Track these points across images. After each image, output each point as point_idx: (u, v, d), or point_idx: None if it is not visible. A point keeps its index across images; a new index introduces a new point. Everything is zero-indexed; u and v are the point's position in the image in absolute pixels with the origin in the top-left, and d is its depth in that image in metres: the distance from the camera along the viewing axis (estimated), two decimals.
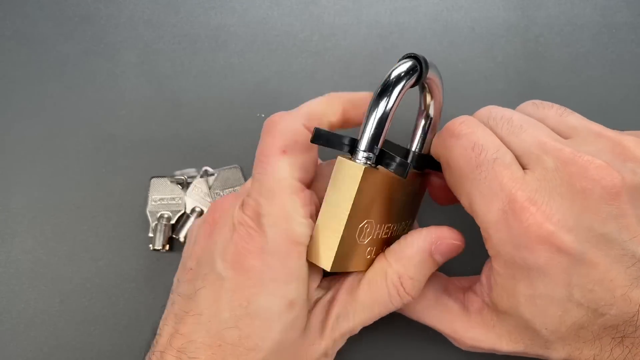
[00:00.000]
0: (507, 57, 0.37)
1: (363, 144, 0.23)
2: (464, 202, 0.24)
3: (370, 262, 0.26)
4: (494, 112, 0.25)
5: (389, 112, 0.23)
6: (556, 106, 0.26)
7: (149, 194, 0.34)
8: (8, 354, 0.32)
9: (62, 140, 0.36)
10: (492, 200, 0.22)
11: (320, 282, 0.26)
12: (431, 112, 0.27)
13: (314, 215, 0.24)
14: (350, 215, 0.23)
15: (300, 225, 0.23)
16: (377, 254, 0.26)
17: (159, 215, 0.33)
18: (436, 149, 0.26)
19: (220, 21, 0.38)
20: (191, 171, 0.35)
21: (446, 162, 0.25)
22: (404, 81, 0.24)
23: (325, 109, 0.26)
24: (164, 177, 0.34)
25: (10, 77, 0.37)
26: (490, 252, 0.24)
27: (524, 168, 0.23)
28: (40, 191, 0.35)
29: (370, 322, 0.26)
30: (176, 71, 0.37)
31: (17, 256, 0.34)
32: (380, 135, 0.23)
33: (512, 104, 0.36)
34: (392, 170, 0.22)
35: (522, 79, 0.36)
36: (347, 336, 0.26)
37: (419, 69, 0.24)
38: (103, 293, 0.33)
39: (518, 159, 0.23)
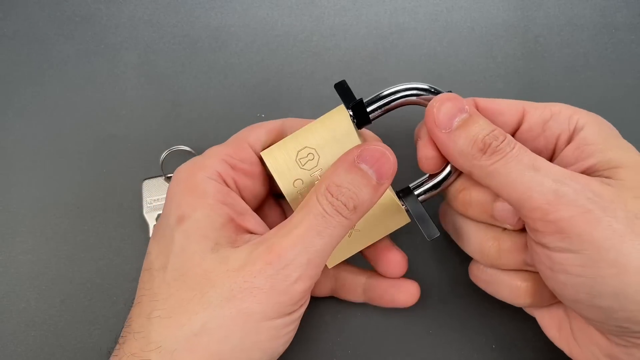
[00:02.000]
0: (507, 57, 0.37)
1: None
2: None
3: None
4: None
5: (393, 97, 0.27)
6: None
7: (143, 197, 0.34)
8: (8, 354, 0.32)
9: (62, 140, 0.36)
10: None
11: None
12: None
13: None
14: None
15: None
16: None
17: (157, 215, 0.33)
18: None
19: (221, 21, 0.38)
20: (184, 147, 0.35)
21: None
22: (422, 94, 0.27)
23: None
24: (157, 177, 0.34)
25: (10, 77, 0.37)
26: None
27: None
28: (40, 191, 0.35)
29: (317, 244, 0.24)
30: (176, 71, 0.37)
31: (17, 256, 0.34)
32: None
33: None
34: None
35: (522, 79, 0.36)
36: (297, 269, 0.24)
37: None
38: (103, 293, 0.33)
39: None
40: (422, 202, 0.28)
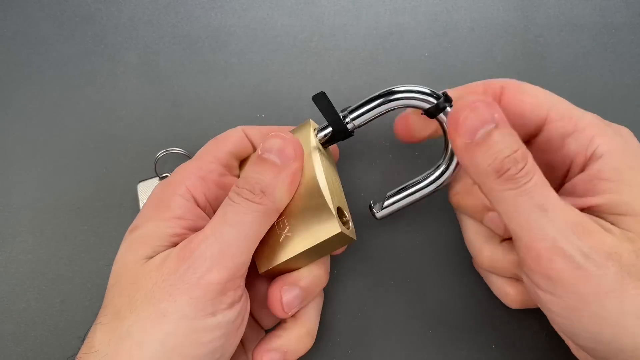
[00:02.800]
0: (507, 57, 0.37)
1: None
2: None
3: None
4: None
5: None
6: None
7: (139, 199, 0.34)
8: (8, 354, 0.32)
9: (62, 140, 0.36)
10: None
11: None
12: (448, 154, 0.28)
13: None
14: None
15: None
16: None
17: None
18: None
19: (221, 21, 0.38)
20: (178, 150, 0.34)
21: None
22: (411, 99, 0.26)
23: (274, 127, 0.30)
24: (151, 178, 0.34)
25: (10, 77, 0.37)
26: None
27: None
28: (40, 191, 0.35)
29: (228, 233, 0.24)
30: (176, 71, 0.37)
31: (17, 256, 0.34)
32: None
33: None
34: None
35: (522, 79, 0.36)
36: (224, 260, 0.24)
37: (435, 103, 0.26)
38: (103, 293, 0.33)
39: None
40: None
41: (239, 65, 0.37)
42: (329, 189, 0.26)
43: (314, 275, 0.28)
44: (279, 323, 0.29)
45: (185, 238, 0.25)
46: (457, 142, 0.23)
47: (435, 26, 0.37)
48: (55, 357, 0.32)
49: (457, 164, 0.27)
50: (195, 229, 0.25)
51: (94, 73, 0.37)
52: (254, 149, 0.30)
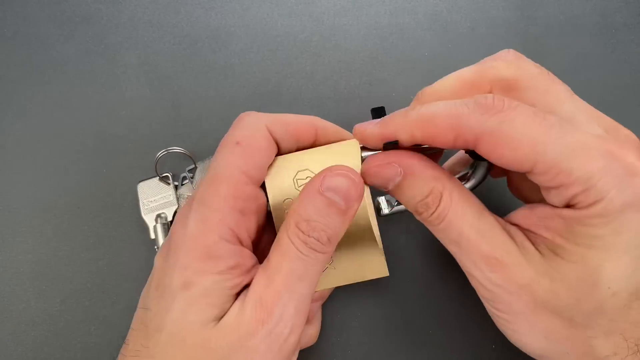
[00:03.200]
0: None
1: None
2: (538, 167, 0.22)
3: None
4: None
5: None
6: None
7: (140, 199, 0.34)
8: (8, 354, 0.32)
9: (62, 140, 0.36)
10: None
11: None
12: (471, 172, 0.28)
13: (248, 211, 0.25)
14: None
15: (216, 217, 0.24)
16: None
17: (155, 216, 0.33)
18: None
19: (221, 21, 0.38)
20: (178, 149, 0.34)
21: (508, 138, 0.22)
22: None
23: (297, 120, 0.27)
24: (151, 178, 0.34)
25: (10, 77, 0.37)
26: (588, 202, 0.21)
27: None
28: (40, 191, 0.35)
29: (300, 289, 0.23)
30: (176, 71, 0.37)
31: (17, 256, 0.34)
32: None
33: None
34: None
35: None
36: (288, 319, 0.23)
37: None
38: (103, 293, 0.33)
39: None
40: None
41: (239, 65, 0.37)
42: (374, 222, 0.26)
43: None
44: None
45: (242, 284, 0.24)
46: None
47: (435, 26, 0.37)
48: (55, 357, 0.32)
49: (474, 185, 0.27)
50: (248, 271, 0.24)
51: (94, 73, 0.37)
52: (279, 150, 0.27)
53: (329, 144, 0.26)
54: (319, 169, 0.25)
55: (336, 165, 0.25)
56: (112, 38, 0.38)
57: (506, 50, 0.26)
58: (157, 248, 0.33)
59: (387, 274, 0.27)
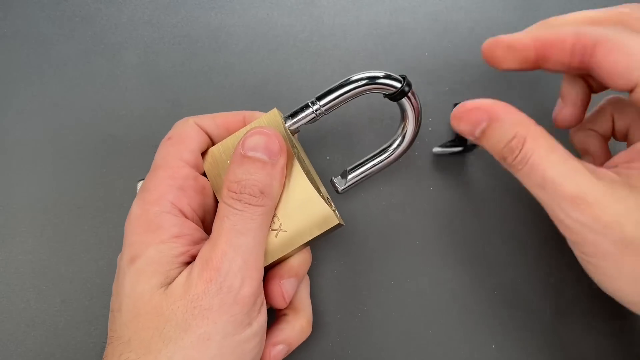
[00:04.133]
0: None
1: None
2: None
3: None
4: None
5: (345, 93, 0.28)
6: None
7: None
8: (8, 354, 0.32)
9: (62, 140, 0.36)
10: None
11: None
12: (403, 131, 0.30)
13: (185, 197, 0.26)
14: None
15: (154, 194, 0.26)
16: None
17: None
18: None
19: (221, 21, 0.38)
20: None
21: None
22: (379, 83, 0.28)
23: (224, 113, 0.30)
24: None
25: (10, 77, 0.37)
26: None
27: None
28: (40, 191, 0.35)
29: (245, 243, 0.24)
30: (176, 71, 0.37)
31: (17, 256, 0.34)
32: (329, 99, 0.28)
33: (513, 105, 0.36)
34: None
35: (522, 79, 0.36)
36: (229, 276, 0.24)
37: (400, 87, 0.27)
38: (103, 293, 0.33)
39: None
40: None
41: (239, 65, 0.37)
42: (311, 179, 0.27)
43: (303, 260, 0.29)
44: (279, 315, 0.30)
45: (189, 254, 0.25)
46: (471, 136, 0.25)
47: (435, 26, 0.37)
48: (55, 357, 0.32)
49: (411, 140, 0.30)
50: (194, 243, 0.25)
51: (94, 73, 0.37)
52: (211, 140, 0.29)
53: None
54: None
55: (252, 127, 0.26)
56: (112, 38, 0.38)
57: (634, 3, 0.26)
58: None
59: (337, 222, 0.27)
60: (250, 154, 0.25)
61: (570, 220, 0.23)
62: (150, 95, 0.36)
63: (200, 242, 0.26)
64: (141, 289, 0.24)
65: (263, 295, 0.25)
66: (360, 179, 0.31)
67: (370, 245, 0.34)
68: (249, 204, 0.24)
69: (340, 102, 0.28)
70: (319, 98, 0.28)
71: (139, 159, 0.35)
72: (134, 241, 0.25)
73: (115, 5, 0.38)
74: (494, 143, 0.25)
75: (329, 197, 0.30)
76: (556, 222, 0.24)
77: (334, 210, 0.27)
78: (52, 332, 0.33)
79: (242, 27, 0.38)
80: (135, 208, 0.26)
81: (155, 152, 0.33)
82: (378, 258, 0.33)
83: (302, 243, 0.27)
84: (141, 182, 0.34)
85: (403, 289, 0.33)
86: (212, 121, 0.29)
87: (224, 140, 0.29)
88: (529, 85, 0.36)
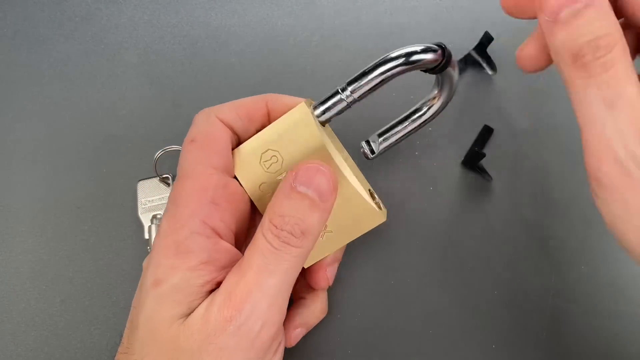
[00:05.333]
0: (507, 57, 0.37)
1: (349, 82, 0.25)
2: None
3: None
4: None
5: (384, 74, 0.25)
6: None
7: (138, 198, 0.34)
8: (8, 354, 0.32)
9: (62, 140, 0.36)
10: None
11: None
12: (438, 98, 0.28)
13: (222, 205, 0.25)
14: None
15: (185, 205, 0.24)
16: None
17: (151, 216, 0.33)
18: None
19: (221, 21, 0.38)
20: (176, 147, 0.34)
21: None
22: (420, 58, 0.25)
23: (245, 100, 0.27)
24: (151, 177, 0.34)
25: (10, 77, 0.37)
26: None
27: None
28: (40, 191, 0.35)
29: (273, 285, 0.23)
30: (176, 71, 0.37)
31: (17, 256, 0.34)
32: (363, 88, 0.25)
33: (513, 105, 0.36)
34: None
35: (522, 78, 0.36)
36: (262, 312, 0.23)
37: (441, 59, 0.25)
38: (103, 293, 0.33)
39: None
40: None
41: (239, 65, 0.37)
42: (355, 173, 0.26)
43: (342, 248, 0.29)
44: (297, 299, 0.30)
45: (215, 282, 0.24)
46: (541, 19, 0.21)
47: (435, 26, 0.37)
48: (55, 357, 0.32)
49: (444, 102, 0.28)
50: (223, 267, 0.24)
51: (94, 73, 0.37)
52: (237, 136, 0.27)
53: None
54: (279, 146, 0.25)
55: (308, 160, 0.24)
56: (112, 38, 0.38)
57: None
58: (150, 249, 0.33)
59: (384, 220, 0.27)
60: (301, 189, 0.23)
61: (626, 154, 0.20)
62: (150, 95, 0.36)
63: (229, 265, 0.24)
64: (161, 317, 0.23)
65: (282, 336, 0.25)
66: (391, 144, 0.30)
67: (370, 245, 0.33)
68: (287, 244, 0.23)
69: (375, 86, 0.25)
70: (350, 83, 0.25)
71: (139, 159, 0.35)
72: (160, 263, 0.23)
73: (115, 5, 0.38)
74: (577, 35, 0.20)
75: (371, 188, 0.29)
76: (599, 155, 0.20)
77: (377, 203, 0.27)
78: (52, 332, 0.33)
79: (242, 27, 0.38)
80: (165, 225, 0.24)
81: (155, 152, 0.34)
82: (377, 258, 0.33)
83: (348, 241, 0.27)
84: (141, 182, 0.34)
85: (403, 289, 0.33)
86: (235, 113, 0.27)
87: (250, 140, 0.26)
88: (529, 85, 0.36)
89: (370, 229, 0.27)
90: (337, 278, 0.33)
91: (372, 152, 0.30)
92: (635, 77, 0.20)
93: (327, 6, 0.38)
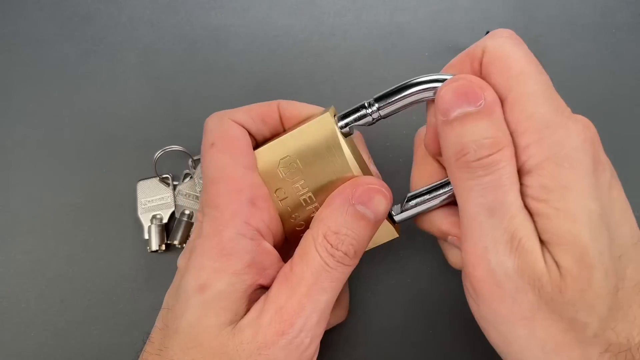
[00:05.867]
0: None
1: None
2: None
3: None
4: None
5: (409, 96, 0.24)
6: None
7: (138, 198, 0.34)
8: (8, 354, 0.32)
9: (61, 140, 0.36)
10: None
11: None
12: None
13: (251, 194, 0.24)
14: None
15: (223, 210, 0.24)
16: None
17: (151, 216, 0.33)
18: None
19: (220, 21, 0.38)
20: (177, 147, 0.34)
21: None
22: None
23: (257, 105, 0.27)
24: (151, 178, 0.34)
25: (10, 77, 0.37)
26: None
27: None
28: (40, 191, 0.35)
29: (324, 301, 0.23)
30: (176, 71, 0.37)
31: (17, 256, 0.34)
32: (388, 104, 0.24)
33: None
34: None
35: None
36: (309, 330, 0.23)
37: None
38: (103, 293, 0.33)
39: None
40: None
41: (239, 65, 0.37)
42: None
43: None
44: None
45: (257, 284, 0.24)
46: (436, 116, 0.22)
47: (435, 26, 0.37)
48: (55, 357, 0.32)
49: None
50: (265, 269, 0.24)
51: (94, 73, 0.37)
52: (253, 138, 0.27)
53: (299, 122, 0.26)
54: (300, 154, 0.25)
55: (367, 178, 0.24)
56: (112, 38, 0.38)
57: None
58: (149, 249, 0.33)
59: (396, 235, 0.26)
60: (359, 208, 0.23)
61: (498, 264, 0.20)
62: (150, 95, 0.36)
63: (270, 267, 0.24)
64: (208, 324, 0.23)
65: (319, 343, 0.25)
66: (423, 209, 0.26)
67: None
68: (341, 263, 0.23)
69: (401, 107, 0.24)
70: (377, 99, 0.24)
71: (139, 159, 0.35)
72: (205, 266, 0.23)
73: (115, 5, 0.38)
74: (463, 133, 0.20)
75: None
76: (474, 264, 0.21)
77: (393, 221, 0.26)
78: (52, 332, 0.33)
79: (242, 27, 0.38)
80: (208, 227, 0.24)
81: (155, 152, 0.34)
82: (378, 258, 0.33)
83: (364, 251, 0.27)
84: (141, 182, 0.34)
85: (403, 289, 0.33)
86: (247, 115, 0.26)
87: (271, 144, 0.26)
88: None
89: (383, 242, 0.27)
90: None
91: (392, 218, 0.27)
92: (517, 186, 0.20)
93: (327, 6, 0.38)
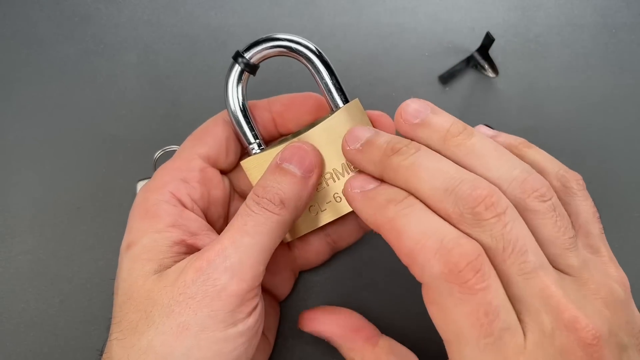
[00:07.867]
0: (507, 57, 0.37)
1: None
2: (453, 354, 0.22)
3: None
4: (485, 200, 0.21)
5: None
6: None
7: None
8: (8, 354, 0.32)
9: (62, 140, 0.36)
10: None
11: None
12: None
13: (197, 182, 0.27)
14: None
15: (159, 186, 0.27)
16: None
17: None
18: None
19: (220, 21, 0.38)
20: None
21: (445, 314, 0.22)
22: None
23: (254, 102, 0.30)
24: (151, 178, 0.34)
25: (10, 77, 0.37)
26: None
27: (518, 315, 0.20)
28: (40, 191, 0.35)
29: (246, 243, 0.24)
30: (176, 71, 0.37)
31: (17, 256, 0.34)
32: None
33: (513, 105, 0.36)
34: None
35: (522, 79, 0.36)
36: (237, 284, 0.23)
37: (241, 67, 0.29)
38: (103, 293, 0.33)
39: (512, 298, 0.21)
40: None
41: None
42: None
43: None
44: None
45: (185, 244, 0.25)
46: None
47: (435, 26, 0.37)
48: (55, 357, 0.32)
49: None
50: (192, 233, 0.26)
51: (94, 73, 0.37)
52: (275, 124, 0.30)
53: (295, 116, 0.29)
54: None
55: (291, 141, 0.27)
56: (111, 38, 0.38)
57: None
58: None
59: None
60: (284, 165, 0.25)
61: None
62: (150, 95, 0.36)
63: (199, 232, 0.26)
64: (136, 274, 0.24)
65: (258, 300, 0.25)
66: None
67: (370, 241, 0.33)
68: (265, 209, 0.24)
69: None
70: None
71: (139, 159, 0.35)
72: (132, 227, 0.26)
73: (115, 5, 0.38)
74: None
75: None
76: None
77: None
78: (51, 332, 0.33)
79: (242, 27, 0.38)
80: (139, 195, 0.27)
81: (154, 152, 0.34)
82: (378, 254, 0.33)
83: (339, 216, 0.28)
84: (141, 182, 0.34)
85: (403, 289, 0.33)
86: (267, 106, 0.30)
87: (265, 153, 0.28)
88: (529, 85, 0.36)
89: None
90: (336, 277, 0.33)
91: None
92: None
93: (327, 6, 0.38)
